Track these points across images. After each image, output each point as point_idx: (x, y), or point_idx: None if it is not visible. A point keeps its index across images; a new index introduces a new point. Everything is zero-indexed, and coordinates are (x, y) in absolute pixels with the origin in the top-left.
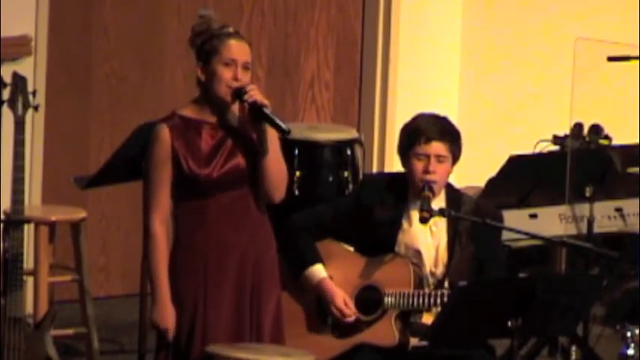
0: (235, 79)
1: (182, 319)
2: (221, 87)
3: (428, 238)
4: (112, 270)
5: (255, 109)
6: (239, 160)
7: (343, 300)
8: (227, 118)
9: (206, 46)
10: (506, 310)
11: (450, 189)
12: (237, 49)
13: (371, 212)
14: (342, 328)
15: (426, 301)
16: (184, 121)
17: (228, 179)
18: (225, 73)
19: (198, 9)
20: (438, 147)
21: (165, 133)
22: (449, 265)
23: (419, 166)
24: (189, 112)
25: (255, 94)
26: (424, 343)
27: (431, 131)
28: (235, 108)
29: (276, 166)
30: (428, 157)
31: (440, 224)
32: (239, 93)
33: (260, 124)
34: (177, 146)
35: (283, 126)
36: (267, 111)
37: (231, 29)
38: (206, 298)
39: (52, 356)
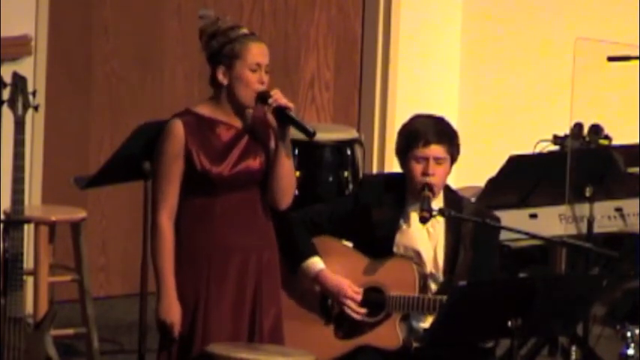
0: (261, 82)
1: (184, 316)
2: (247, 91)
3: (425, 240)
4: (112, 270)
5: (281, 112)
6: (251, 162)
7: (351, 288)
8: (243, 120)
9: (226, 49)
10: (506, 310)
11: (448, 191)
12: (260, 52)
13: (369, 213)
14: (346, 329)
15: (431, 305)
16: (198, 118)
17: (239, 179)
18: (252, 78)
19: (199, 9)
20: (436, 149)
21: (179, 128)
22: (454, 268)
23: (418, 168)
24: (203, 110)
25: (279, 97)
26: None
27: (429, 134)
28: (249, 111)
29: (288, 172)
30: (426, 159)
31: (437, 226)
32: (264, 97)
33: (285, 127)
34: (191, 142)
35: (309, 128)
36: (293, 114)
37: (246, 30)
38: (208, 297)
39: (52, 356)
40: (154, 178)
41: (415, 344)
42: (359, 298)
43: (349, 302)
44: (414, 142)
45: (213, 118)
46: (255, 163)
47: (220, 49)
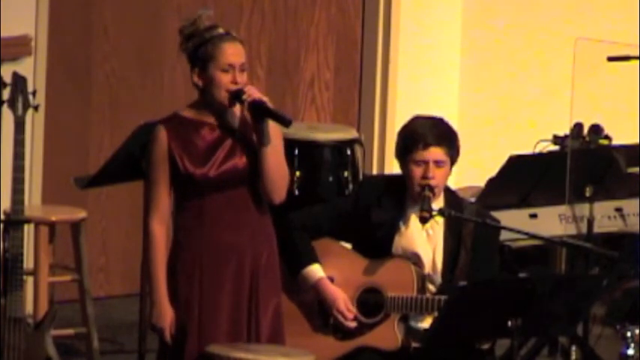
0: (234, 82)
1: (179, 319)
2: (220, 92)
3: (424, 242)
4: (112, 270)
5: (256, 106)
6: (237, 161)
7: (345, 303)
8: (227, 120)
9: (200, 51)
10: (506, 310)
11: (449, 193)
12: (232, 52)
13: (369, 214)
14: (344, 330)
15: (430, 305)
16: (183, 121)
17: (225, 179)
18: (224, 79)
19: (199, 9)
20: (436, 152)
21: (162, 133)
22: (453, 270)
23: (417, 172)
24: (189, 113)
25: (253, 92)
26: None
27: (428, 137)
28: (236, 109)
29: (276, 166)
30: (426, 163)
31: (436, 227)
32: (237, 95)
33: (262, 120)
34: (174, 146)
35: (286, 117)
36: (269, 106)
37: (221, 30)
38: (202, 299)
39: (52, 356)
40: (146, 183)
41: (414, 344)
42: (351, 316)
43: (340, 317)
44: (413, 145)
45: (197, 119)
46: (241, 161)
47: (195, 51)
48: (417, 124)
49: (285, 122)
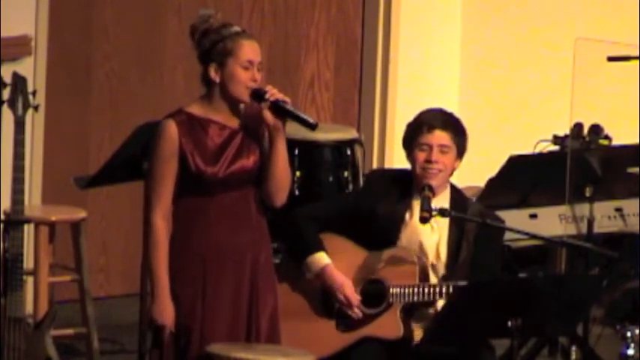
0: (254, 80)
1: (180, 318)
2: (239, 88)
3: (429, 232)
4: (112, 270)
5: (279, 107)
6: (245, 161)
7: (350, 289)
8: (235, 119)
9: (218, 47)
10: (506, 310)
11: (455, 191)
12: (252, 50)
13: (375, 206)
14: (347, 322)
15: (432, 294)
16: (191, 118)
17: (233, 179)
18: (244, 75)
19: (199, 9)
20: (440, 136)
21: (172, 128)
22: (455, 262)
23: (421, 156)
24: (195, 109)
25: (275, 92)
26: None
27: (433, 120)
28: (242, 108)
29: (284, 167)
30: (430, 147)
31: (441, 220)
32: (259, 94)
33: (284, 121)
34: (185, 142)
35: (310, 120)
36: (291, 108)
37: (238, 28)
38: (205, 297)
39: (52, 356)
40: (148, 178)
41: (417, 333)
42: (355, 302)
43: (344, 300)
44: (419, 129)
45: (205, 117)
46: (249, 162)
47: (212, 47)
48: (425, 113)
49: (310, 125)
